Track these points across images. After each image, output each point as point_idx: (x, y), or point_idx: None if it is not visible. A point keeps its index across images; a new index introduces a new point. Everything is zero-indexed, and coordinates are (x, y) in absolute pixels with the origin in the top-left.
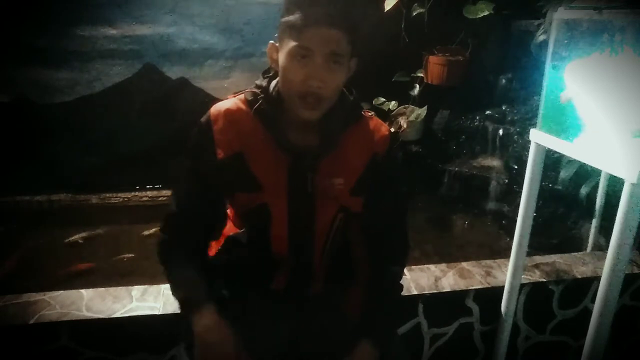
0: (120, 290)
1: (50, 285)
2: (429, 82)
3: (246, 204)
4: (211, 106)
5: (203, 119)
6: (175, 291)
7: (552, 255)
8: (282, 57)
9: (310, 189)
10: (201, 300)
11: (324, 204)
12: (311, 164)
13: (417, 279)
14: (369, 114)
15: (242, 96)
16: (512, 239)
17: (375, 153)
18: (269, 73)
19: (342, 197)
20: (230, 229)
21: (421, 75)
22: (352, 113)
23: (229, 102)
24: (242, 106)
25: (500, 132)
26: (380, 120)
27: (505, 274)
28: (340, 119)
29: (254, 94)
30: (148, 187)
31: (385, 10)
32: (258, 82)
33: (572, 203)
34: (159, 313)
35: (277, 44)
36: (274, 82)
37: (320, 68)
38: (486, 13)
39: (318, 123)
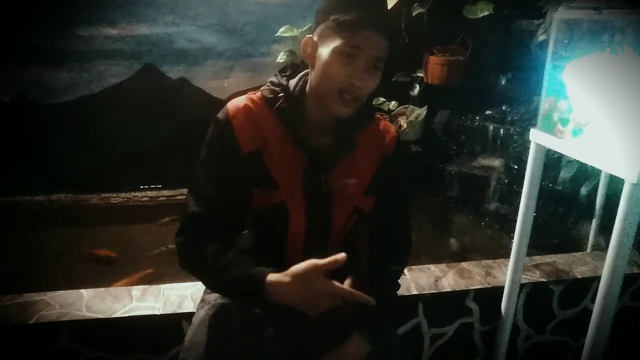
0: (120, 290)
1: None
2: (429, 82)
3: (261, 202)
4: (212, 107)
5: (220, 115)
6: (224, 284)
7: (552, 255)
8: (325, 52)
9: (325, 189)
10: (259, 275)
11: (340, 205)
12: (328, 164)
13: (417, 279)
14: (384, 116)
15: (259, 94)
16: (512, 238)
17: (385, 154)
18: (286, 72)
19: (356, 198)
20: None
21: (421, 75)
22: (366, 114)
23: (246, 99)
24: (260, 103)
25: (501, 132)
26: (387, 122)
27: (505, 274)
28: (356, 120)
29: (273, 91)
30: (148, 187)
31: None
32: (275, 80)
33: (572, 203)
34: (159, 313)
35: (315, 39)
36: (293, 81)
37: (364, 69)
38: (486, 13)
39: (335, 123)
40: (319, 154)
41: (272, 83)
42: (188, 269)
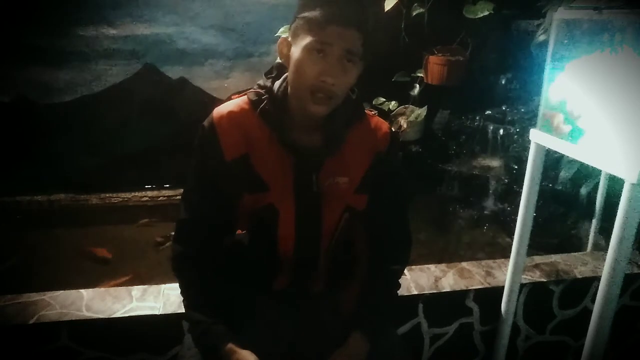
0: (120, 290)
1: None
2: (429, 82)
3: (253, 205)
4: (212, 108)
5: (206, 123)
6: (191, 316)
7: (552, 255)
8: (296, 51)
9: (316, 188)
10: (221, 336)
11: (330, 204)
12: (316, 164)
13: (417, 279)
14: (372, 112)
15: (244, 97)
16: (512, 238)
17: (379, 152)
18: (272, 74)
19: (347, 196)
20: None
21: (421, 75)
22: (355, 112)
23: (232, 104)
24: (246, 107)
25: (500, 132)
26: (381, 119)
27: (505, 274)
28: (344, 118)
29: (258, 94)
30: (148, 187)
31: (385, 10)
32: (261, 82)
33: (572, 203)
34: (159, 313)
35: (289, 39)
36: (277, 83)
37: (335, 65)
38: (486, 13)
39: (322, 122)
40: (307, 154)
41: (258, 85)
42: (175, 275)
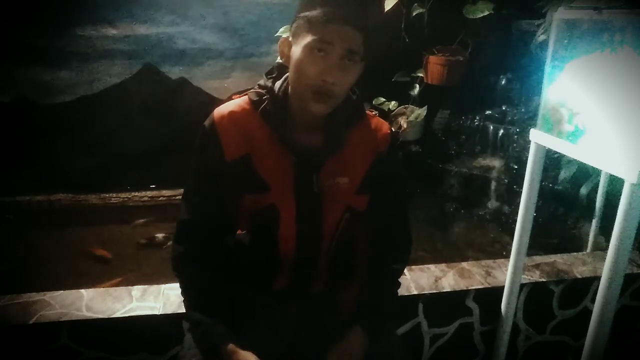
0: (120, 290)
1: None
2: (429, 82)
3: (253, 205)
4: (212, 108)
5: (206, 123)
6: (191, 316)
7: (552, 255)
8: (297, 51)
9: (316, 188)
10: (222, 336)
11: (331, 204)
12: (317, 164)
13: (417, 279)
14: (373, 112)
15: (245, 97)
16: (512, 239)
17: (379, 152)
18: (273, 74)
19: (347, 196)
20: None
21: (421, 75)
22: (356, 112)
23: (233, 104)
24: (247, 107)
25: (500, 132)
26: (381, 119)
27: (505, 274)
28: (345, 118)
29: (259, 94)
30: (148, 187)
31: (385, 10)
32: (261, 82)
33: (572, 203)
34: (159, 313)
35: (290, 39)
36: (278, 83)
37: (336, 64)
38: (486, 13)
39: (323, 122)
40: (308, 154)
41: (259, 86)
42: (175, 276)
